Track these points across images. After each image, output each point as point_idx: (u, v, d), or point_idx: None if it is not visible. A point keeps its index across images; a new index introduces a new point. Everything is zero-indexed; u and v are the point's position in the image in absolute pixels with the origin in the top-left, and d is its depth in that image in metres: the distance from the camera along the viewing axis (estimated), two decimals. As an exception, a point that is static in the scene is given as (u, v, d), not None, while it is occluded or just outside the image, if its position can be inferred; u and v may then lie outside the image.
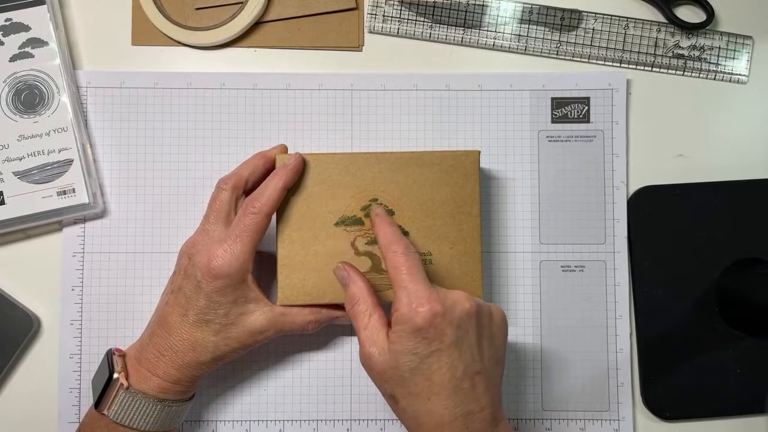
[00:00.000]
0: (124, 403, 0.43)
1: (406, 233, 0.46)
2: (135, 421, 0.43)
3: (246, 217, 0.43)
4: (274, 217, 0.45)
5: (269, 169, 0.46)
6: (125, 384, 0.43)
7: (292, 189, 0.45)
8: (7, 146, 0.50)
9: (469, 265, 0.46)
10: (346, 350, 0.52)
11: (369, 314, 0.41)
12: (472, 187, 0.46)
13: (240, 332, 0.44)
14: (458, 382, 0.38)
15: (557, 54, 0.54)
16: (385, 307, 0.43)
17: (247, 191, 0.46)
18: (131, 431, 0.43)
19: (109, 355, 0.45)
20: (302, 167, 0.45)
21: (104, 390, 0.43)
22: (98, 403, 0.43)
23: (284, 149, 0.48)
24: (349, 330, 0.52)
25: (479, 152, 0.47)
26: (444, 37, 0.54)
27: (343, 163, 0.46)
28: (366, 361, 0.41)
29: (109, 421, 0.43)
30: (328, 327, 0.50)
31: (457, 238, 0.46)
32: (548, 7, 0.54)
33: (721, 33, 0.54)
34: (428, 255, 0.46)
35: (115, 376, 0.43)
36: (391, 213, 0.46)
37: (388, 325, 0.41)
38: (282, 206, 0.45)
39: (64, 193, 0.50)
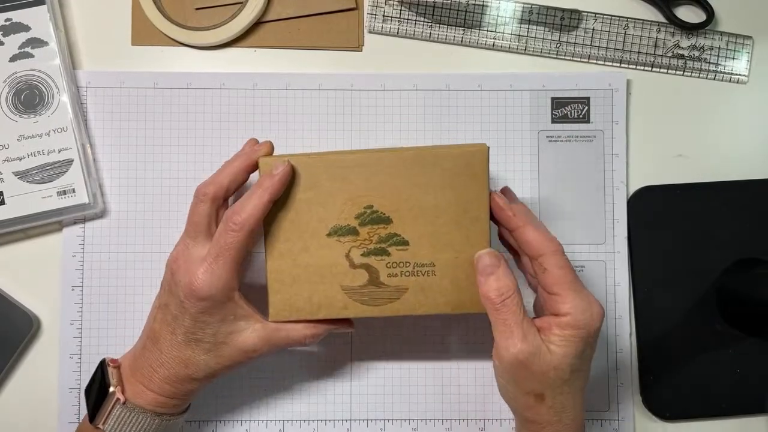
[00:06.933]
0: (121, 417, 0.42)
1: (405, 243, 0.42)
2: None
3: (227, 234, 0.40)
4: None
5: (251, 173, 0.44)
6: (122, 399, 0.42)
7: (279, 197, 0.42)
8: (7, 146, 0.50)
9: (477, 276, 0.42)
10: (346, 350, 0.52)
11: (522, 308, 0.39)
12: (480, 188, 0.42)
13: (232, 351, 0.42)
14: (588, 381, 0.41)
15: (557, 54, 0.54)
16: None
17: (229, 198, 0.44)
18: None
19: (104, 366, 0.44)
20: (290, 175, 0.41)
21: (100, 403, 0.42)
22: (93, 416, 0.42)
23: (269, 150, 0.44)
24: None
25: (488, 148, 0.42)
26: (444, 37, 0.54)
27: (334, 166, 0.42)
28: (521, 358, 0.38)
29: None
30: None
31: (463, 246, 0.42)
32: (548, 7, 0.54)
33: (721, 33, 0.54)
34: (431, 266, 0.42)
35: (111, 389, 0.42)
36: (388, 221, 0.42)
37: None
38: (269, 216, 0.42)
39: (64, 193, 0.50)
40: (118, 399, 0.42)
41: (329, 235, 0.42)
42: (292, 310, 0.43)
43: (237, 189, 0.44)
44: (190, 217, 0.43)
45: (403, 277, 0.42)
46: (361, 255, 0.42)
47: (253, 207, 0.40)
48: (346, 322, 0.45)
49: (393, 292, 0.43)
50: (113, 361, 0.44)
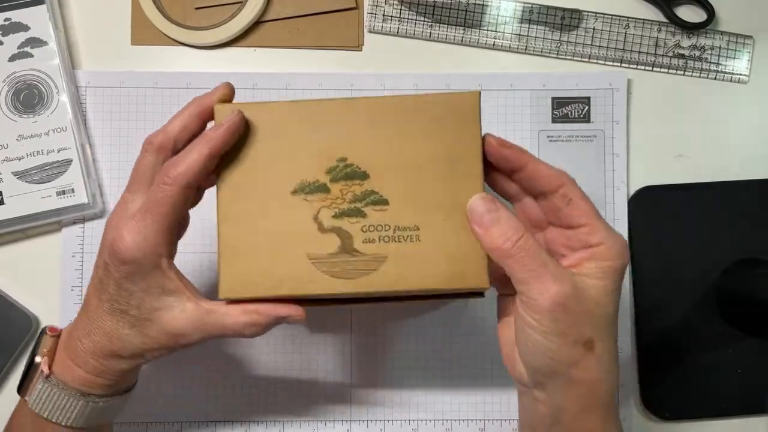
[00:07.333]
0: (43, 393, 0.38)
1: (384, 201, 0.36)
2: (54, 415, 0.38)
3: (157, 188, 0.35)
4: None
5: (207, 121, 0.38)
6: (45, 371, 0.38)
7: (234, 147, 0.36)
8: (6, 146, 0.50)
9: (471, 243, 0.36)
10: (346, 350, 0.52)
11: (540, 249, 0.35)
12: (472, 139, 0.36)
13: (158, 332, 0.37)
14: None
15: (558, 54, 0.54)
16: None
17: (179, 152, 0.38)
18: (54, 425, 0.38)
19: (41, 333, 0.40)
20: (242, 127, 0.36)
21: (27, 373, 0.39)
22: (20, 387, 0.39)
23: (228, 93, 0.38)
24: (348, 326, 0.52)
25: (480, 92, 0.37)
26: (444, 36, 0.54)
27: (300, 114, 0.36)
28: (559, 300, 0.34)
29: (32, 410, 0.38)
30: (326, 321, 0.50)
31: (453, 208, 0.36)
32: (549, 7, 0.54)
33: (722, 33, 0.54)
34: (414, 230, 0.36)
35: (38, 359, 0.38)
36: (364, 176, 0.36)
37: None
38: (221, 171, 0.36)
39: (64, 193, 0.50)
40: (41, 372, 0.38)
41: (295, 192, 0.36)
42: (247, 285, 0.36)
43: (189, 139, 0.37)
44: (133, 170, 0.38)
45: (382, 242, 0.36)
46: (332, 217, 0.36)
47: (192, 160, 0.35)
48: (293, 308, 0.37)
49: (369, 262, 0.36)
50: (52, 329, 0.40)
